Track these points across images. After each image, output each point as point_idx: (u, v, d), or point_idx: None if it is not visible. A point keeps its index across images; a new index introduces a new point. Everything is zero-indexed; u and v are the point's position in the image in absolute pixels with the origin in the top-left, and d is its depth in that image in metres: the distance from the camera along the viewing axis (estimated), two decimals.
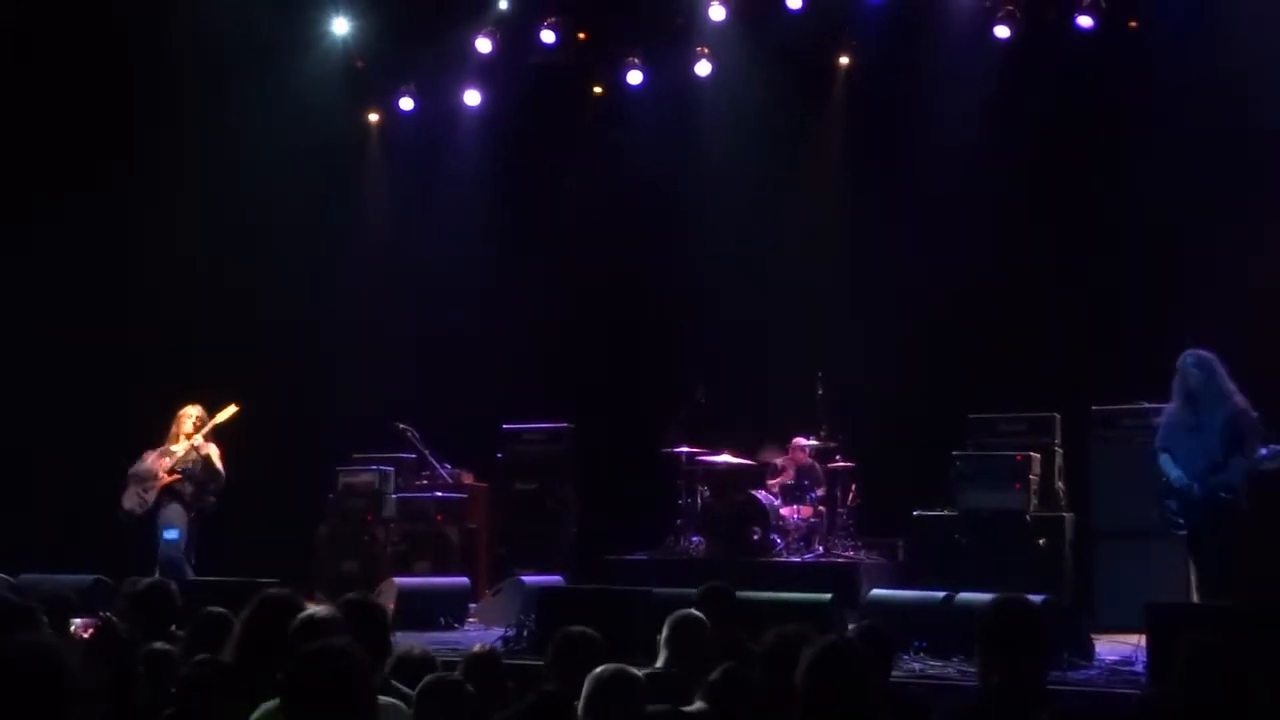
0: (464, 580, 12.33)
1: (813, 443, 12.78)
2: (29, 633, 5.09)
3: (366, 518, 13.19)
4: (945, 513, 11.20)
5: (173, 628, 6.38)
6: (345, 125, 15.49)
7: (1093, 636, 9.05)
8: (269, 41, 14.46)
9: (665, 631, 5.88)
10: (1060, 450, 11.48)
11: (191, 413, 11.61)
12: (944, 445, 11.41)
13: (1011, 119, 12.98)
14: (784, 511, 12.54)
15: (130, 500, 11.51)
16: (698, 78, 14.42)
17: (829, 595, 9.16)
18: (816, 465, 12.78)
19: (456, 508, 13.49)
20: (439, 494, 13.52)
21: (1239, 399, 9.00)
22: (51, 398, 13.96)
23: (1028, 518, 10.93)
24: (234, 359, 13.31)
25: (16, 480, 13.63)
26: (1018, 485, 10.99)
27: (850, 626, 8.13)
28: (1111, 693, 7.70)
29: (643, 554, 12.91)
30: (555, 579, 12.01)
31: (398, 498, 13.41)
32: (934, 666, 8.49)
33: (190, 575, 10.97)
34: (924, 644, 8.76)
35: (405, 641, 6.45)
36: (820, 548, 12.43)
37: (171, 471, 11.45)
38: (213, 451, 11.50)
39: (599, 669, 4.62)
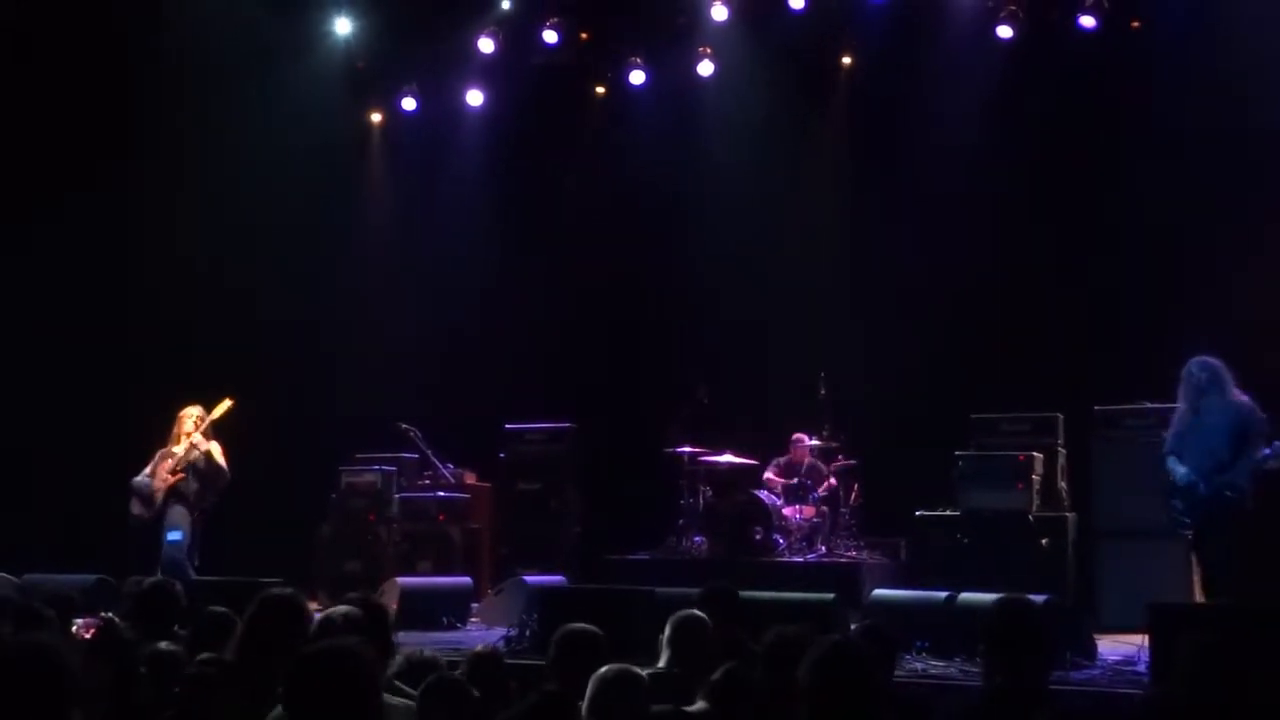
0: (466, 580, 12.33)
1: (815, 442, 12.78)
2: (35, 633, 5.09)
3: (369, 517, 13.20)
4: (948, 513, 11.20)
5: (176, 628, 6.38)
6: (346, 125, 15.51)
7: (1095, 636, 9.06)
8: (269, 42, 14.47)
9: (667, 631, 5.88)
10: (1063, 450, 11.47)
11: (192, 412, 11.62)
12: (946, 445, 11.40)
13: (1013, 119, 12.98)
14: (786, 511, 12.54)
15: (137, 507, 11.52)
16: (700, 78, 14.43)
17: (831, 595, 9.15)
18: (819, 465, 12.79)
19: (459, 507, 13.49)
20: (441, 494, 13.53)
21: (1245, 399, 9.01)
22: (52, 398, 13.96)
23: (1030, 518, 10.92)
24: (234, 359, 13.31)
25: (19, 480, 13.63)
26: (1020, 485, 10.98)
27: (853, 626, 8.15)
28: (1114, 692, 7.70)
29: (645, 554, 12.92)
30: (557, 579, 12.01)
31: (400, 497, 13.41)
32: (936, 666, 8.48)
33: (193, 576, 10.97)
34: (926, 644, 8.76)
35: (409, 643, 6.44)
36: (823, 548, 12.43)
37: (174, 472, 11.45)
38: (214, 448, 11.51)
39: (603, 669, 4.62)
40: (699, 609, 6.13)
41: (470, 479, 13.98)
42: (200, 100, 14.50)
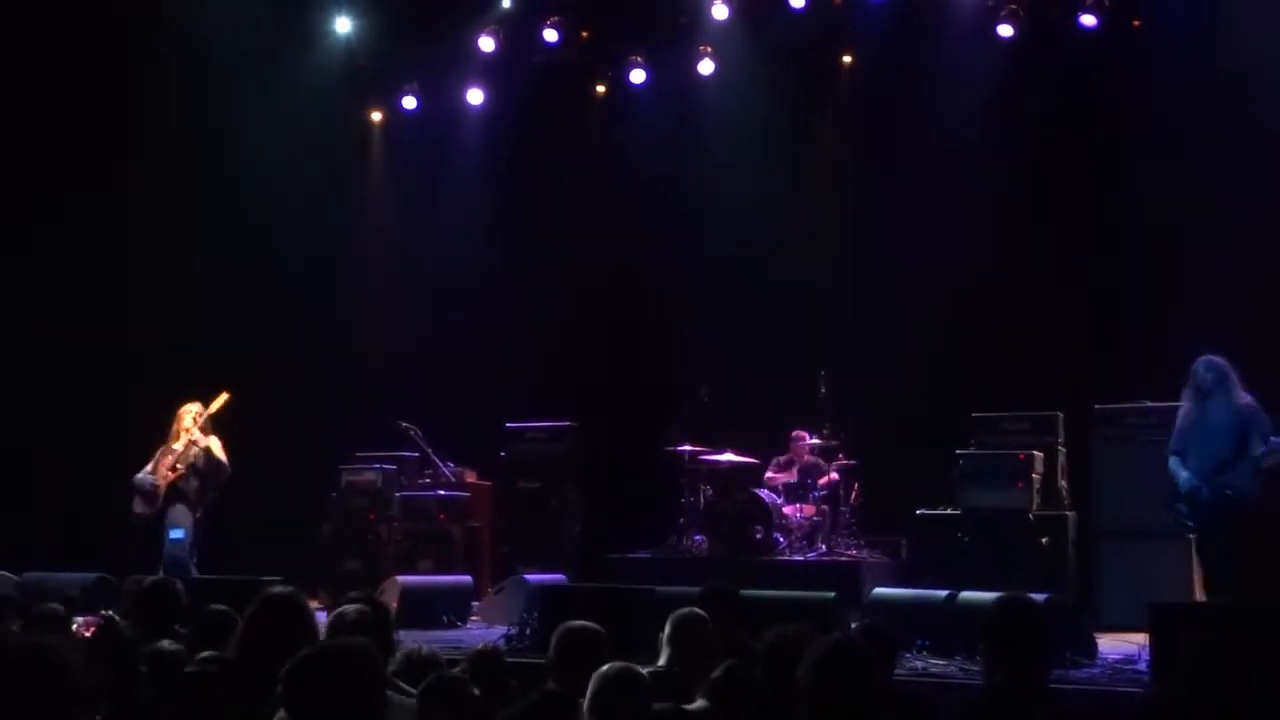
0: (467, 579, 12.33)
1: (815, 441, 12.78)
2: (39, 633, 5.10)
3: (370, 516, 13.20)
4: (948, 511, 11.19)
5: (176, 626, 6.38)
6: (346, 125, 15.51)
7: (1095, 635, 9.05)
8: (269, 42, 14.48)
9: (667, 630, 5.88)
10: (1063, 449, 11.47)
11: (190, 409, 11.61)
12: (947, 444, 11.39)
13: (1013, 119, 12.98)
14: (787, 510, 12.55)
15: (139, 505, 11.52)
16: (700, 77, 14.43)
17: (832, 594, 9.15)
18: (819, 461, 12.78)
19: (459, 506, 13.49)
20: (442, 492, 13.52)
21: (1251, 400, 9.02)
22: (52, 397, 13.96)
23: (1031, 516, 10.92)
24: (234, 359, 13.29)
25: (19, 479, 13.64)
26: (1020, 484, 10.97)
27: (853, 625, 8.16)
28: (1114, 691, 7.70)
29: (645, 553, 12.92)
30: (558, 577, 12.00)
31: (401, 496, 13.41)
32: (937, 665, 8.47)
33: (194, 574, 10.98)
34: (927, 643, 8.75)
35: (409, 641, 6.44)
36: (823, 546, 12.43)
37: (174, 469, 11.45)
38: (213, 442, 11.50)
39: (604, 667, 4.61)
40: (699, 607, 6.13)
41: (471, 478, 13.98)
42: (200, 100, 14.50)
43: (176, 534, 11.29)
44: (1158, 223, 12.08)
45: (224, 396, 11.58)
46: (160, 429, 11.74)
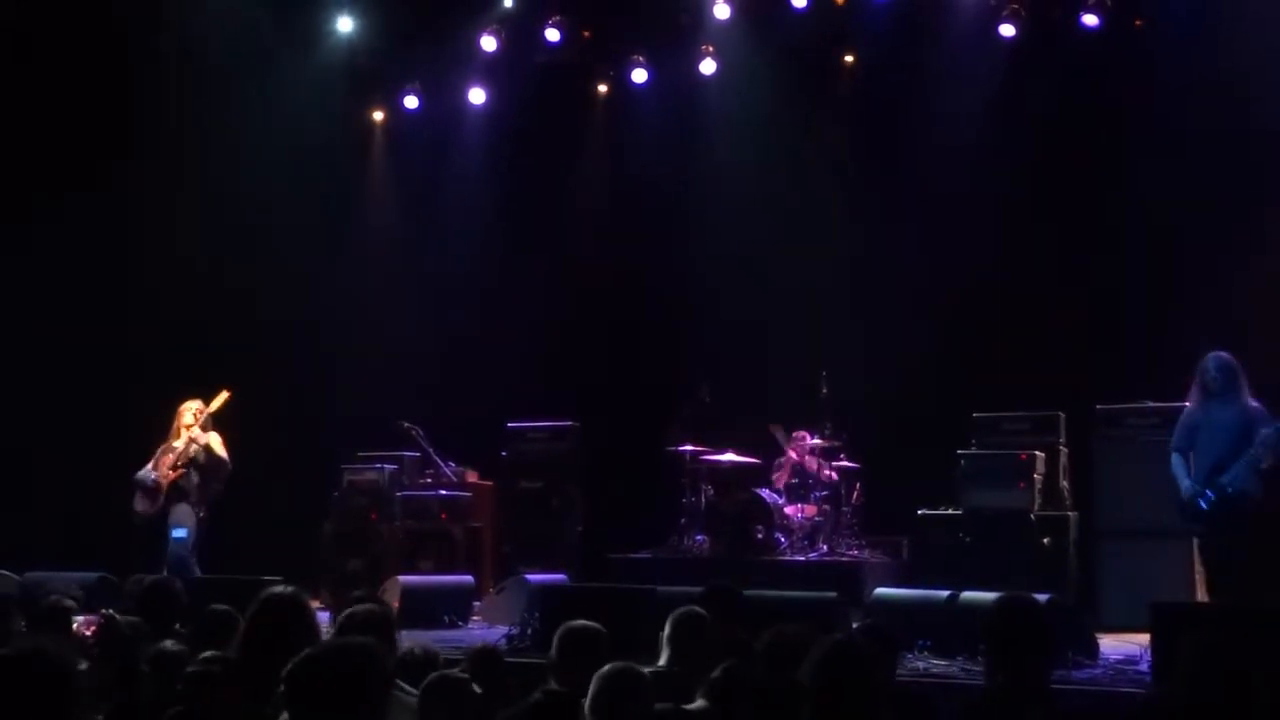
0: (468, 578, 12.32)
1: (817, 441, 12.77)
2: (43, 634, 5.11)
3: (371, 516, 13.17)
4: (949, 511, 11.18)
5: (177, 625, 6.38)
6: (347, 125, 15.50)
7: (1097, 635, 9.06)
8: (271, 40, 14.47)
9: (668, 629, 5.88)
10: (1064, 449, 11.45)
11: (190, 406, 11.63)
12: (948, 444, 11.38)
13: (1015, 119, 12.97)
14: (788, 510, 12.53)
15: (141, 504, 11.53)
16: (702, 76, 14.42)
17: (833, 594, 9.16)
18: (821, 463, 12.78)
19: (461, 506, 13.47)
20: (443, 492, 13.50)
21: (1257, 405, 9.02)
22: (52, 397, 13.97)
23: (1032, 516, 10.90)
24: (234, 359, 13.30)
25: (20, 479, 13.65)
26: (1022, 484, 10.96)
27: (854, 625, 8.15)
28: (1116, 692, 7.70)
29: (647, 552, 12.91)
30: (559, 577, 12.01)
31: (402, 496, 13.39)
32: (938, 665, 8.48)
33: (197, 573, 10.98)
34: (928, 643, 8.76)
35: (408, 640, 6.44)
36: (824, 546, 12.42)
37: (175, 467, 11.45)
38: (213, 439, 11.51)
39: (606, 667, 4.61)
40: (700, 607, 6.12)
41: (472, 477, 13.97)
42: (200, 100, 14.50)
43: (179, 533, 11.30)
44: (1159, 223, 12.08)
45: (225, 394, 11.60)
46: (161, 428, 11.76)
